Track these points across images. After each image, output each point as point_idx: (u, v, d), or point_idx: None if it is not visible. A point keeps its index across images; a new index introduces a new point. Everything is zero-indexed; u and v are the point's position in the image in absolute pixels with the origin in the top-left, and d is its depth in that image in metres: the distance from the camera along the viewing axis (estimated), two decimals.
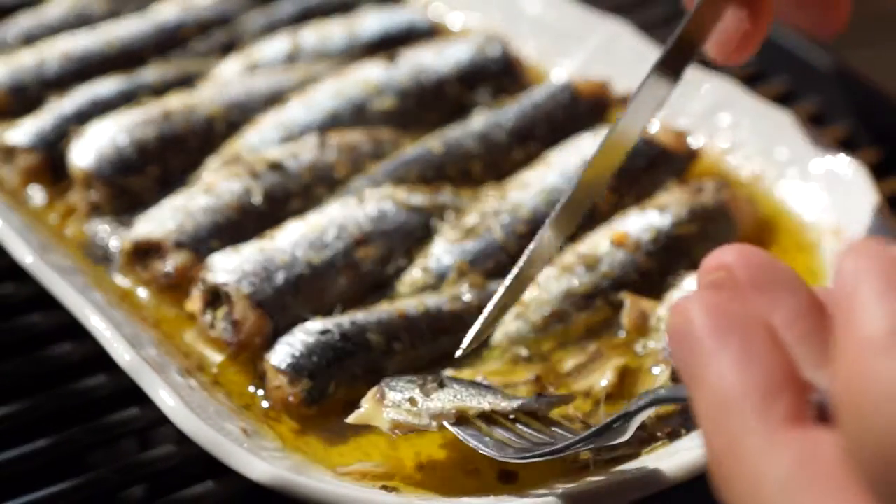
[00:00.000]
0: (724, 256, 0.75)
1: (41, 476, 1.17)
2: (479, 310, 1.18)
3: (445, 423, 1.09)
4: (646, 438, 1.13)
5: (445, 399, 1.10)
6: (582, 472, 1.10)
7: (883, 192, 1.38)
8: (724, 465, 0.67)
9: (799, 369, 0.68)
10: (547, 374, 1.23)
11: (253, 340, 1.23)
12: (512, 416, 1.10)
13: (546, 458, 1.05)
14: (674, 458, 1.08)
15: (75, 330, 1.24)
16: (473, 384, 1.13)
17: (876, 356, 0.60)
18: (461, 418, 1.10)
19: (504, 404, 1.10)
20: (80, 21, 1.73)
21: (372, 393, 1.12)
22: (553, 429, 1.10)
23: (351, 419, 1.12)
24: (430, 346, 1.24)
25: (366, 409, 1.11)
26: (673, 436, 1.13)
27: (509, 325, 1.26)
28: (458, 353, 1.17)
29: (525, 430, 1.09)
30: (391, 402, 1.10)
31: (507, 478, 1.12)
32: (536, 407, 1.11)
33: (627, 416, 0.99)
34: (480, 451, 1.07)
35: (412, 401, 1.10)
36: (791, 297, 0.72)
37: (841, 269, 0.65)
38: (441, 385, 1.11)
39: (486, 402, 1.10)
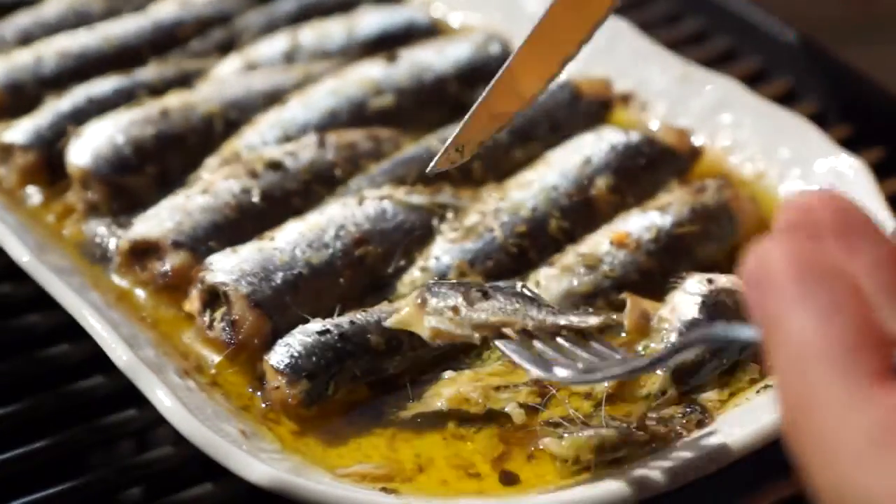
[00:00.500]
0: (805, 198, 0.71)
1: (39, 477, 1.17)
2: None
3: (491, 339, 1.06)
4: (647, 440, 1.12)
5: (490, 310, 1.06)
6: (582, 472, 1.09)
7: (885, 192, 1.37)
8: (799, 420, 0.64)
9: (882, 324, 0.65)
10: None
11: (251, 341, 1.23)
12: (554, 333, 1.06)
13: (609, 379, 1.02)
14: (674, 460, 1.08)
15: (73, 330, 1.24)
16: (519, 295, 1.09)
17: None
18: (502, 333, 1.06)
19: (551, 319, 1.06)
20: (78, 19, 1.72)
21: (412, 297, 1.08)
22: (595, 345, 1.05)
23: (390, 322, 1.09)
24: (429, 346, 1.23)
25: (406, 313, 1.07)
26: (674, 437, 1.13)
27: None
28: (430, 168, 1.18)
29: (569, 347, 1.05)
30: (433, 309, 1.06)
31: (509, 480, 1.12)
32: (587, 325, 1.07)
33: (687, 345, 0.96)
34: (527, 370, 1.02)
35: (455, 309, 1.06)
36: (872, 246, 0.68)
37: None
38: (485, 295, 1.06)
39: (530, 319, 1.06)
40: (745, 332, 0.80)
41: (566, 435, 1.11)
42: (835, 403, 0.62)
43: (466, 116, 1.22)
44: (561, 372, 1.02)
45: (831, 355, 0.63)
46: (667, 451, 1.11)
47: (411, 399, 1.18)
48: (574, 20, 1.21)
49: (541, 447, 1.12)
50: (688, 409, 1.15)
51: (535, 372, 1.02)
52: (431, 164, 1.19)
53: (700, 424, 1.13)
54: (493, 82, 1.22)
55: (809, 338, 0.64)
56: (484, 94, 1.22)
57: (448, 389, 1.18)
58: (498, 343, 1.05)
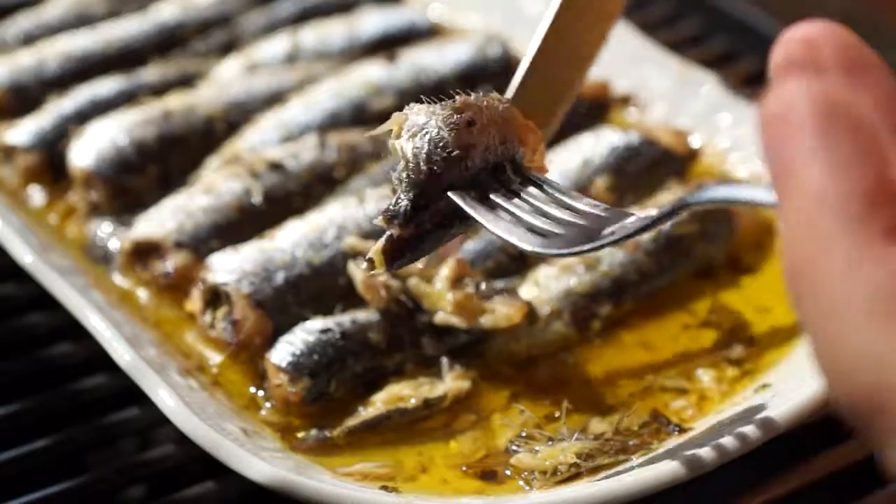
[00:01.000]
0: (809, 31, 0.67)
1: (41, 476, 1.17)
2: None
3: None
4: (634, 446, 1.13)
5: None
6: (574, 479, 1.10)
7: None
8: (803, 272, 0.60)
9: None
10: None
11: (253, 340, 1.23)
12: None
13: (597, 247, 0.92)
14: (660, 465, 1.07)
15: (75, 330, 1.24)
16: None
17: None
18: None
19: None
20: (80, 21, 1.73)
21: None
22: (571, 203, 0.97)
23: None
24: (429, 346, 1.24)
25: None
26: (658, 441, 1.13)
27: None
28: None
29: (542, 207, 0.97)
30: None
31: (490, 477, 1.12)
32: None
33: (680, 207, 0.88)
34: (503, 239, 0.95)
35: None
36: (882, 85, 0.64)
37: None
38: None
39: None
40: (754, 193, 0.75)
41: (538, 448, 1.12)
42: (841, 258, 0.59)
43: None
44: (540, 243, 0.94)
45: (845, 207, 0.59)
46: (659, 453, 1.11)
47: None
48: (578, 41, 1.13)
49: (513, 463, 1.12)
50: (657, 420, 1.15)
51: (519, 244, 0.94)
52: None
53: (670, 433, 1.14)
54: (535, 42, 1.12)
55: (824, 187, 0.60)
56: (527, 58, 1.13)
57: (382, 395, 1.19)
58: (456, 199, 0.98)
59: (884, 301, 0.57)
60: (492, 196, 0.98)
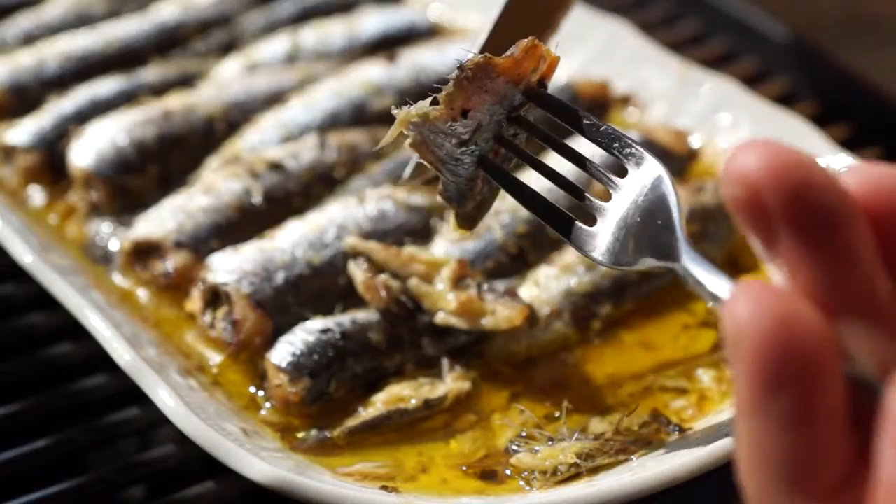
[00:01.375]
0: (746, 161, 0.59)
1: (41, 476, 1.17)
2: None
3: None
4: (634, 446, 1.13)
5: None
6: (574, 479, 1.10)
7: None
8: None
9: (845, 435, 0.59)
10: None
11: (253, 340, 1.23)
12: None
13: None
14: (660, 465, 1.08)
15: (75, 330, 1.24)
16: None
17: None
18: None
19: None
20: (80, 20, 1.73)
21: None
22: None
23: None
24: (430, 346, 1.24)
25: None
26: (659, 441, 1.13)
27: None
28: (406, 173, 1.16)
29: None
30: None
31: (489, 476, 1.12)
32: None
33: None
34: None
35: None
36: (843, 240, 0.58)
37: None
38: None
39: None
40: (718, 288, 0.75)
41: (538, 448, 1.12)
42: None
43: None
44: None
45: (784, 471, 0.59)
46: (659, 453, 1.11)
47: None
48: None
49: (513, 463, 1.12)
50: (657, 420, 1.15)
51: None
52: (404, 176, 1.18)
53: (669, 436, 1.14)
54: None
55: (769, 448, 0.59)
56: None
57: (382, 395, 1.19)
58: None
59: None
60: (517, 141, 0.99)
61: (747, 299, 0.59)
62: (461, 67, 0.98)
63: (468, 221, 1.06)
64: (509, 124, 1.00)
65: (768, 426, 0.59)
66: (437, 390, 1.18)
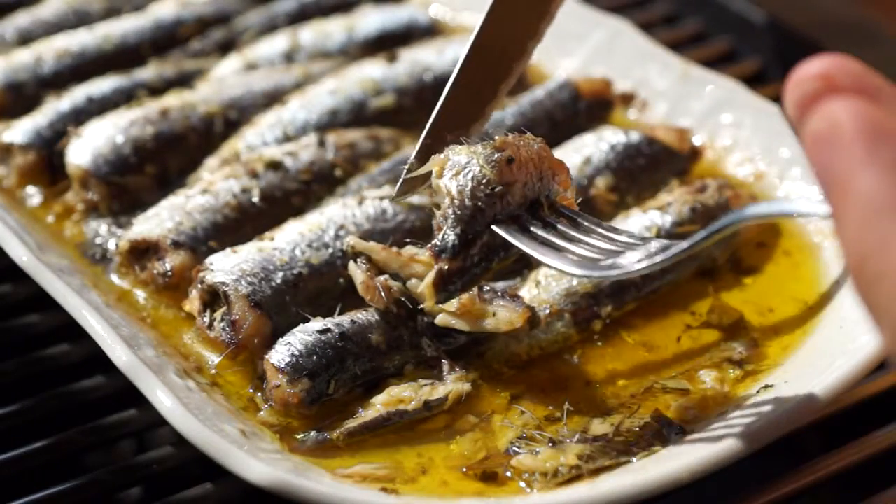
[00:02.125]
0: (820, 66, 0.74)
1: (40, 477, 1.17)
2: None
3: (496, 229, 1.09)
4: (636, 447, 1.12)
5: None
6: (575, 480, 1.09)
7: None
8: (872, 264, 0.67)
9: None
10: None
11: (251, 341, 1.22)
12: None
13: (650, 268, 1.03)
14: (661, 466, 1.07)
15: (73, 331, 1.24)
16: None
17: None
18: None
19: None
20: (78, 19, 1.72)
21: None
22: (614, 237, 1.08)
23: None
24: (430, 346, 1.23)
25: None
26: (660, 442, 1.13)
27: None
28: (393, 195, 1.19)
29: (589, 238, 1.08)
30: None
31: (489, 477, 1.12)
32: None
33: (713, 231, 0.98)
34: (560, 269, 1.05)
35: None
36: (894, 101, 0.72)
37: None
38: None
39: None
40: (802, 206, 0.83)
41: (539, 450, 1.11)
42: None
43: (418, 142, 1.19)
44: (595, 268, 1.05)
45: None
46: (661, 455, 1.11)
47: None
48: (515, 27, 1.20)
49: (514, 465, 1.11)
50: (658, 422, 1.15)
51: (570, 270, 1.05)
52: (394, 194, 1.20)
53: (671, 437, 1.13)
54: (441, 100, 1.19)
55: (884, 191, 0.67)
56: (432, 116, 1.20)
57: (381, 397, 1.18)
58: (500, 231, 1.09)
59: None
60: (532, 229, 1.08)
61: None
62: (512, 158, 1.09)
63: (443, 286, 1.12)
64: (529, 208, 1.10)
65: (881, 173, 0.69)
66: (438, 392, 1.17)
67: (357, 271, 1.22)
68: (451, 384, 1.18)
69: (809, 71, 0.74)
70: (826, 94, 0.72)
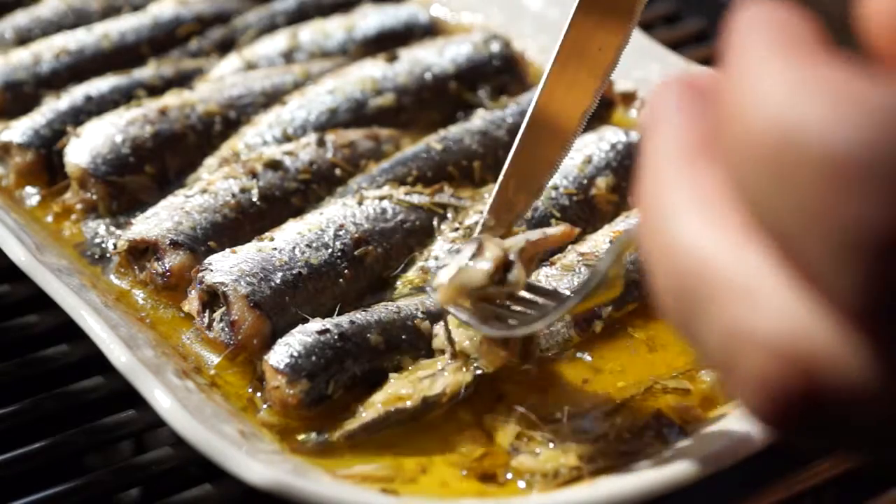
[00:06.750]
0: (670, 83, 0.73)
1: (38, 478, 1.17)
2: None
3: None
4: (636, 448, 1.12)
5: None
6: (575, 481, 1.09)
7: None
8: (642, 201, 0.68)
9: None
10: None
11: (251, 341, 1.22)
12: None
13: (533, 327, 1.08)
14: (663, 467, 1.07)
15: (72, 331, 1.23)
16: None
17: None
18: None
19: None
20: (77, 18, 1.72)
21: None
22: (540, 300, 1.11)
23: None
24: (430, 345, 1.23)
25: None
26: (661, 443, 1.12)
27: None
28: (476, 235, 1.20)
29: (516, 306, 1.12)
30: None
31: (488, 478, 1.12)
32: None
33: (596, 274, 1.01)
34: (472, 325, 1.10)
35: None
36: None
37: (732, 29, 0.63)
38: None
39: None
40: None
41: (539, 450, 1.11)
42: (665, 174, 0.66)
43: (507, 163, 1.20)
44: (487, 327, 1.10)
45: (672, 143, 0.67)
46: (662, 456, 1.10)
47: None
48: (599, 39, 1.20)
49: (514, 465, 1.11)
50: (659, 422, 1.14)
51: (479, 327, 1.10)
52: (476, 233, 1.21)
53: (672, 438, 1.13)
54: (523, 126, 1.19)
55: (660, 138, 0.67)
56: (515, 144, 1.20)
57: (380, 395, 1.17)
58: (451, 308, 1.12)
59: (709, 203, 0.64)
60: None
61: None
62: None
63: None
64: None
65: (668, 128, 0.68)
66: (436, 386, 1.17)
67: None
68: (450, 375, 1.17)
69: (665, 85, 0.72)
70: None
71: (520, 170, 1.20)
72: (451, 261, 1.12)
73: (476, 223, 1.32)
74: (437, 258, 1.31)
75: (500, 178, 1.20)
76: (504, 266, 1.10)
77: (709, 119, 0.67)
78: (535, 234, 1.15)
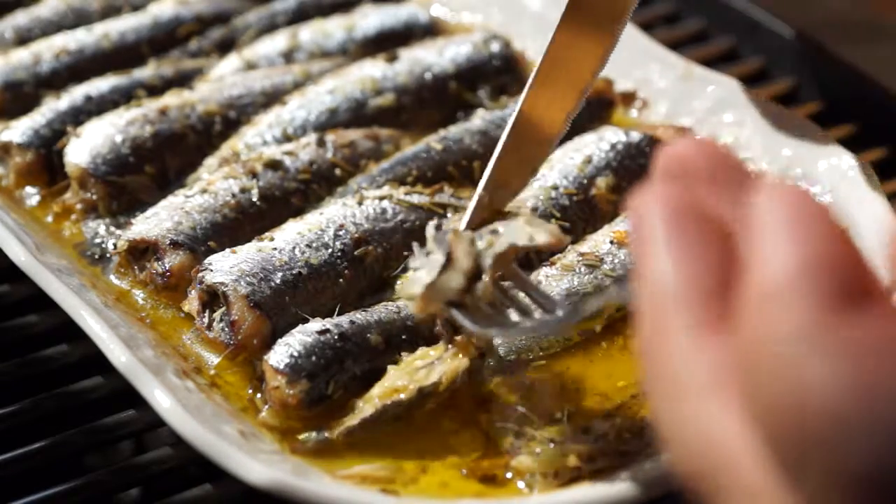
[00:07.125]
0: (681, 147, 0.74)
1: (38, 478, 1.17)
2: None
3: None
4: (637, 448, 1.12)
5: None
6: (575, 481, 1.09)
7: (888, 192, 1.37)
8: (652, 359, 0.67)
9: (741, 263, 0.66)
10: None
11: (251, 341, 1.22)
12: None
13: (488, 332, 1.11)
14: (663, 468, 1.07)
15: (71, 331, 1.23)
16: None
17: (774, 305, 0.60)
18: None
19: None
20: (77, 18, 1.72)
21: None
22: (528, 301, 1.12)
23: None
24: (430, 345, 1.23)
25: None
26: (648, 449, 1.12)
27: None
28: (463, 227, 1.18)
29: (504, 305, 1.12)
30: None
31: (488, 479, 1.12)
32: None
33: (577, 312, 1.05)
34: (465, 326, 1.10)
35: None
36: (737, 185, 0.71)
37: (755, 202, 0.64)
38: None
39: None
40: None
41: (539, 450, 1.11)
42: (683, 348, 0.65)
43: (489, 166, 1.20)
44: (475, 326, 1.09)
45: (684, 298, 0.66)
46: (662, 456, 1.10)
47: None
48: (585, 44, 1.21)
49: (514, 466, 1.11)
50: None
51: (469, 327, 1.10)
52: (463, 223, 1.18)
53: None
54: (509, 124, 1.20)
55: (668, 279, 0.66)
56: (502, 138, 1.20)
57: (378, 388, 1.17)
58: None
59: (717, 379, 0.64)
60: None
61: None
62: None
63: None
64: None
65: (671, 259, 0.67)
66: (432, 375, 1.16)
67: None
68: (448, 361, 1.17)
69: (670, 151, 0.74)
70: (673, 176, 0.72)
71: (516, 144, 1.19)
72: (422, 268, 1.11)
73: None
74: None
75: (497, 152, 1.20)
76: (475, 275, 1.11)
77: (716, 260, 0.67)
78: (522, 240, 1.14)
